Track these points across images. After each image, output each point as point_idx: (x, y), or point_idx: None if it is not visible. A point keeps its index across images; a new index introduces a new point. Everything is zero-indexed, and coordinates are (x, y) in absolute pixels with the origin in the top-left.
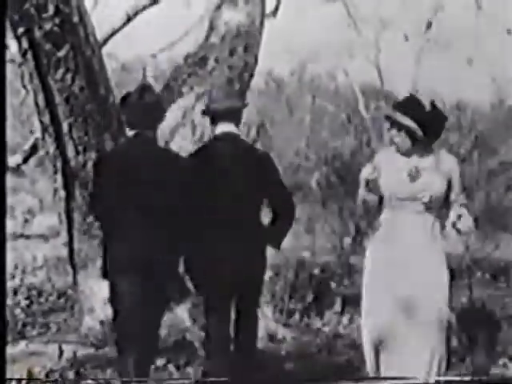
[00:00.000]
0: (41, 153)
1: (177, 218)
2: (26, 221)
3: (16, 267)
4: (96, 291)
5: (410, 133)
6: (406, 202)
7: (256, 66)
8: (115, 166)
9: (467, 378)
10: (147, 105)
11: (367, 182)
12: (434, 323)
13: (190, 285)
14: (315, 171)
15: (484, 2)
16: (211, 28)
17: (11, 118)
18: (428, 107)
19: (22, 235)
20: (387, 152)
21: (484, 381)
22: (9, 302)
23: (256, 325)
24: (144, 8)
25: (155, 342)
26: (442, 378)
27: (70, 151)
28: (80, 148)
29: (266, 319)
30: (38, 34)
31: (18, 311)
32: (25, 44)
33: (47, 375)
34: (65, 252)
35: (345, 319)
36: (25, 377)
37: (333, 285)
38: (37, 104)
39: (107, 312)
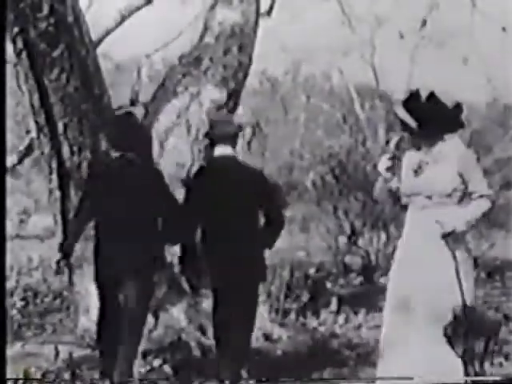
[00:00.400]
0: (36, 153)
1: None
2: (22, 221)
3: (12, 268)
4: (91, 292)
5: (405, 126)
6: (413, 198)
7: (250, 66)
8: (102, 185)
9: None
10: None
11: (388, 168)
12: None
13: (185, 285)
14: (310, 171)
15: None
16: (205, 28)
17: (7, 118)
18: (423, 99)
19: (17, 236)
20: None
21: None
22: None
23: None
24: (138, 8)
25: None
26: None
27: (65, 151)
28: (75, 148)
29: (262, 319)
30: (32, 33)
31: (13, 312)
32: (20, 44)
33: (43, 376)
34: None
35: (341, 318)
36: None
37: (328, 284)
38: (32, 104)
39: None
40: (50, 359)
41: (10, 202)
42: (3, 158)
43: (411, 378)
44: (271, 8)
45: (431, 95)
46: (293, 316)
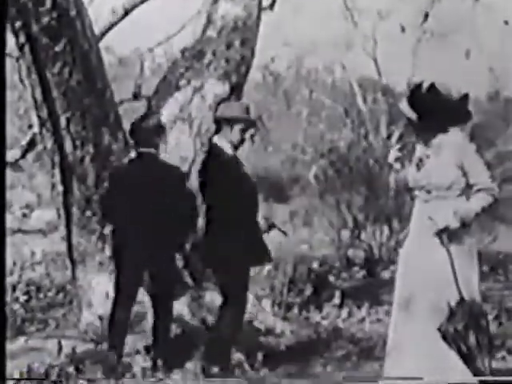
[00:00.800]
0: (39, 147)
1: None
2: (24, 216)
3: (14, 263)
4: (94, 286)
5: (409, 119)
6: (417, 191)
7: (253, 60)
8: (124, 180)
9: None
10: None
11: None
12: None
13: (188, 279)
14: (312, 164)
15: None
16: (208, 22)
17: (9, 112)
18: (424, 90)
19: (20, 230)
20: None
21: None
22: (7, 297)
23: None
24: (141, 2)
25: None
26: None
27: (68, 146)
28: (78, 142)
29: (265, 313)
30: (35, 27)
31: (16, 307)
32: (22, 38)
33: (47, 371)
34: (63, 247)
35: (344, 312)
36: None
37: (331, 278)
38: (34, 98)
39: (106, 307)
40: (53, 354)
41: (12, 196)
42: (3, 153)
43: (421, 378)
44: (274, 2)
45: (431, 87)
46: (296, 310)
